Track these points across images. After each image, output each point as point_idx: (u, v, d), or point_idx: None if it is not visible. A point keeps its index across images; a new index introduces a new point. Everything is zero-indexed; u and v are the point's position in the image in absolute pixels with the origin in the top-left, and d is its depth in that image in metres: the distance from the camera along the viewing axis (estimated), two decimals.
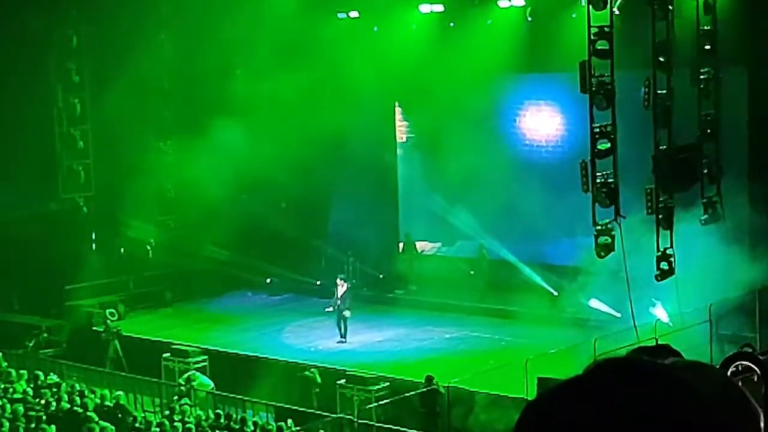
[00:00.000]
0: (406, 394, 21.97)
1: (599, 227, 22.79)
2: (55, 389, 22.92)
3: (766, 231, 24.01)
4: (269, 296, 31.88)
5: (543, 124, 30.89)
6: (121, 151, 29.97)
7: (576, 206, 24.45)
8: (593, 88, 22.34)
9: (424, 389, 21.97)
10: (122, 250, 30.71)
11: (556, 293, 27.91)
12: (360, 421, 21.24)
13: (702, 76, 24.01)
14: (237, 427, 20.79)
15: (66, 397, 22.27)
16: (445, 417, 21.68)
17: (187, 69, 29.62)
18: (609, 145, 22.74)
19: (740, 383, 1.68)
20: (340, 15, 31.07)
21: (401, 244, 32.82)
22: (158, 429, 20.51)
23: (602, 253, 22.95)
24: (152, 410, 23.46)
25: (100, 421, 20.46)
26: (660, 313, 23.77)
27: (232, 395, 23.19)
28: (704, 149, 24.43)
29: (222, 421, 21.07)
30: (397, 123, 33.68)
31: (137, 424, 21.07)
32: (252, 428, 20.75)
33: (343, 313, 27.13)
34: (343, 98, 29.32)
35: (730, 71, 24.70)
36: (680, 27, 23.51)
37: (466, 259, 30.88)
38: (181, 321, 29.55)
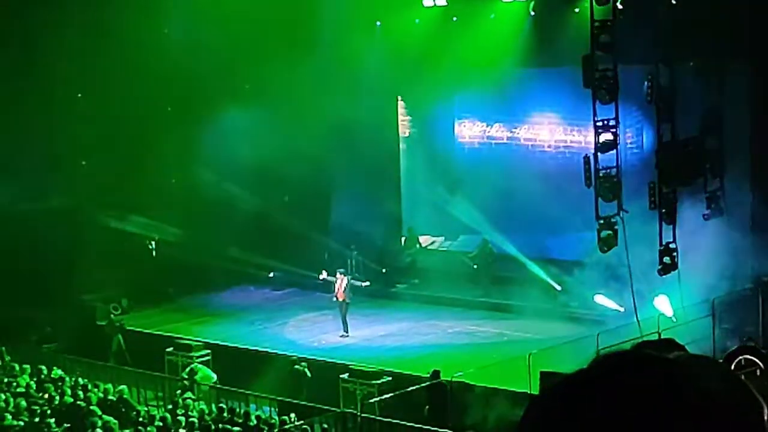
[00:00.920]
0: (411, 389, 21.96)
1: (602, 221, 22.79)
2: (58, 383, 22.96)
3: None
4: (272, 290, 31.90)
5: (545, 130, 30.97)
6: (124, 146, 29.96)
7: (579, 200, 24.46)
8: (596, 82, 22.33)
9: (430, 383, 21.97)
10: (126, 244, 30.71)
11: (559, 287, 27.92)
12: (363, 415, 21.25)
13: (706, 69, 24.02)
14: (240, 421, 20.81)
15: (69, 391, 22.31)
16: (449, 411, 21.69)
17: (189, 63, 29.57)
18: (612, 138, 22.74)
19: (744, 377, 1.68)
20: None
21: (404, 238, 32.83)
22: (161, 423, 20.54)
23: (605, 248, 22.96)
24: (155, 404, 23.50)
25: (104, 415, 20.49)
26: (664, 306, 23.73)
27: (235, 389, 23.21)
28: (707, 143, 24.43)
29: (225, 415, 21.09)
30: (400, 117, 33.68)
31: (140, 418, 21.09)
32: (255, 422, 20.77)
33: (346, 303, 27.14)
34: (347, 90, 29.35)
35: (734, 64, 24.68)
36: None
37: (469, 253, 30.88)
38: (185, 315, 29.57)
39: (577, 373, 1.62)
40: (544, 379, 19.40)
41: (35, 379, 23.28)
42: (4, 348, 25.29)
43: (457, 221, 31.48)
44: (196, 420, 20.67)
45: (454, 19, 30.59)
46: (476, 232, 30.94)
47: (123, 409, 21.45)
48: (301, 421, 20.75)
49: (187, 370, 24.20)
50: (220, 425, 20.70)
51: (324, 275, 28.25)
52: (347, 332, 27.09)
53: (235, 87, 30.88)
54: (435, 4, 30.24)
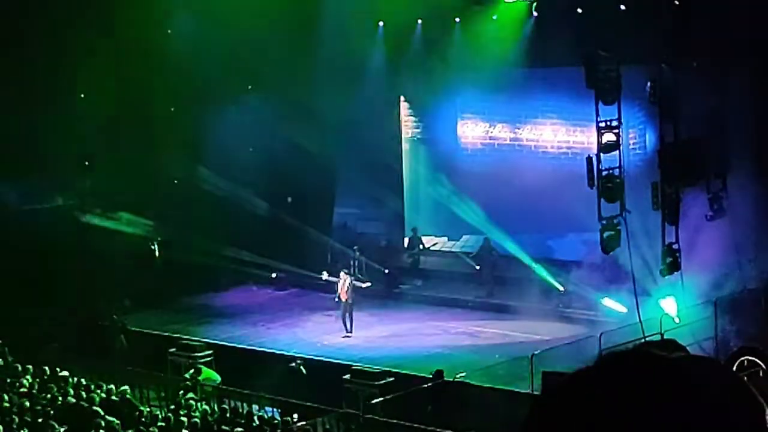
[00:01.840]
0: (414, 389, 21.95)
1: (605, 222, 22.78)
2: (61, 383, 22.95)
3: None
4: (275, 291, 31.92)
5: (548, 131, 30.99)
6: (127, 146, 29.97)
7: (582, 201, 24.44)
8: (599, 83, 22.33)
9: (433, 384, 21.96)
10: (128, 244, 30.71)
11: (561, 288, 27.91)
12: (366, 416, 21.24)
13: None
14: (243, 421, 20.80)
15: (72, 391, 22.30)
16: (452, 412, 21.67)
17: (193, 63, 29.57)
18: (615, 139, 22.73)
19: (746, 378, 1.68)
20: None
21: (407, 239, 32.84)
22: (164, 423, 20.53)
23: (608, 248, 22.95)
24: (158, 405, 23.49)
25: (106, 416, 20.48)
26: (669, 306, 23.69)
27: (237, 390, 23.21)
28: (710, 144, 24.40)
29: (228, 415, 21.08)
30: (403, 117, 33.71)
31: (143, 419, 21.08)
32: (257, 423, 20.76)
33: (349, 304, 27.15)
34: (351, 91, 29.39)
35: (737, 64, 24.66)
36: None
37: (472, 254, 30.89)
38: (187, 316, 29.58)
39: (581, 372, 1.62)
40: (547, 380, 19.40)
41: (38, 380, 23.27)
42: (6, 348, 25.28)
43: (460, 222, 31.50)
44: (198, 420, 20.65)
45: (457, 20, 30.60)
46: (479, 232, 30.97)
47: (126, 410, 21.44)
48: (304, 422, 20.75)
49: (191, 370, 24.20)
50: (223, 426, 20.68)
51: (326, 276, 28.27)
52: (350, 332, 27.10)
53: (238, 88, 30.87)
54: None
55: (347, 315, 27.15)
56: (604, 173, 22.72)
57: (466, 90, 31.61)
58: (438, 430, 20.20)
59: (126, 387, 22.65)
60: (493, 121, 31.97)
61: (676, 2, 23.07)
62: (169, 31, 30.02)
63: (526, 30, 29.32)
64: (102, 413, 20.55)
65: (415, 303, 29.64)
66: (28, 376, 23.50)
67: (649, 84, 23.45)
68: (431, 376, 22.12)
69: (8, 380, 23.17)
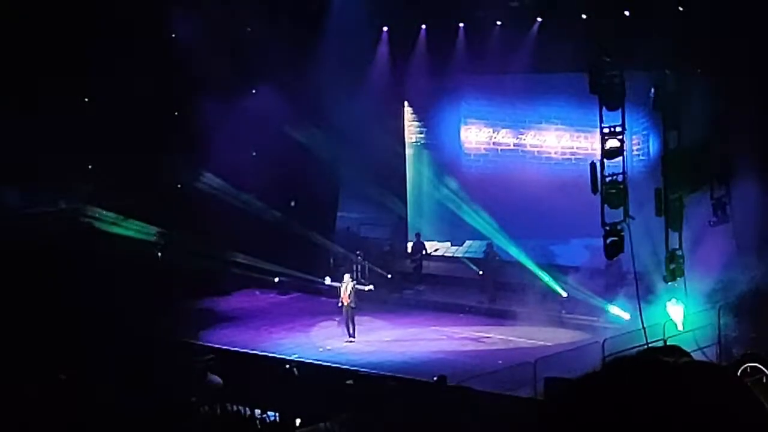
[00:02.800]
0: (416, 395, 21.94)
1: (608, 228, 22.76)
2: None
3: None
4: (278, 295, 31.92)
5: (552, 137, 31.00)
6: (130, 149, 29.97)
7: (585, 206, 24.44)
8: (603, 89, 22.32)
9: (436, 389, 21.95)
10: (131, 249, 30.70)
11: (565, 294, 27.90)
12: (368, 420, 21.22)
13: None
14: (245, 425, 20.80)
15: None
16: (455, 417, 21.66)
17: (196, 67, 29.58)
18: (618, 145, 22.72)
19: (749, 385, 1.69)
20: None
21: (410, 244, 32.84)
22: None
23: (611, 254, 22.93)
24: None
25: None
26: (676, 312, 23.64)
27: (239, 394, 23.19)
28: (714, 150, 24.39)
29: (230, 419, 21.08)
30: (407, 122, 33.73)
31: None
32: (259, 427, 20.77)
33: (352, 309, 27.15)
34: (354, 96, 29.43)
35: (740, 71, 24.65)
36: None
37: (475, 259, 30.90)
38: (190, 320, 29.54)
39: (587, 377, 1.63)
40: (550, 386, 19.38)
41: None
42: None
43: (463, 227, 31.52)
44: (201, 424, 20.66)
45: (461, 25, 30.64)
46: (482, 237, 30.97)
47: None
48: (306, 427, 20.75)
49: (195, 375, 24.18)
50: (226, 430, 20.69)
51: (329, 281, 28.27)
52: (353, 337, 27.09)
53: (241, 90, 30.90)
54: None
55: (350, 320, 27.15)
56: (608, 179, 22.70)
57: (469, 95, 31.64)
58: None
59: None
60: (497, 126, 31.99)
61: (680, 8, 23.07)
62: (173, 35, 30.04)
63: (531, 35, 29.34)
64: None
65: (417, 308, 29.64)
66: None
67: (652, 90, 23.46)
68: (434, 382, 22.11)
69: None
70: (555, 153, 31.22)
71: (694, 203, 23.98)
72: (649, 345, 19.67)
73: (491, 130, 32.27)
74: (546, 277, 28.39)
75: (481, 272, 30.22)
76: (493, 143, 32.34)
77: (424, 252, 32.18)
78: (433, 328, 27.96)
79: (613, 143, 22.72)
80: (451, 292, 30.05)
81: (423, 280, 31.57)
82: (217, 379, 24.03)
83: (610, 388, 1.59)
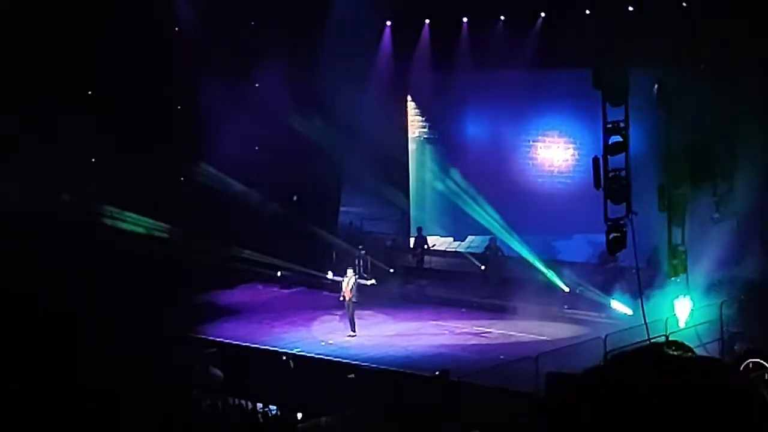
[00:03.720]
0: (418, 389, 21.95)
1: (611, 223, 22.74)
2: None
3: None
4: (280, 289, 31.93)
5: (554, 154, 31.01)
6: (132, 143, 29.98)
7: (588, 202, 24.42)
8: (606, 84, 22.29)
9: (438, 384, 21.96)
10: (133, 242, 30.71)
11: (567, 289, 27.91)
12: (369, 415, 21.24)
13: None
14: (246, 419, 20.82)
15: None
16: (457, 412, 21.68)
17: (199, 61, 29.59)
18: (622, 140, 22.68)
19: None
20: None
21: (412, 239, 32.84)
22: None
23: (614, 250, 22.91)
24: None
25: None
26: (683, 308, 23.62)
27: (241, 387, 23.21)
28: (717, 146, 24.38)
29: (232, 413, 21.10)
30: (410, 117, 33.72)
31: None
32: (261, 421, 20.78)
33: (353, 303, 27.16)
34: (358, 91, 29.42)
35: (744, 67, 24.63)
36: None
37: (477, 254, 30.90)
38: (192, 313, 29.55)
39: (590, 372, 1.63)
40: (551, 381, 19.38)
41: None
42: None
43: (466, 222, 31.52)
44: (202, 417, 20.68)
45: (464, 20, 30.61)
46: (484, 233, 30.97)
47: None
48: (307, 421, 20.76)
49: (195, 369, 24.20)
50: (228, 423, 20.71)
51: (331, 275, 28.27)
52: (354, 332, 27.10)
53: (244, 84, 30.89)
54: None
55: (351, 314, 27.16)
56: (611, 174, 22.67)
57: (472, 90, 31.61)
58: (443, 430, 20.20)
59: None
60: (500, 121, 31.95)
61: (684, 4, 23.04)
62: (176, 29, 30.06)
63: (534, 31, 29.32)
64: None
65: (420, 303, 29.64)
66: None
67: (656, 86, 23.43)
68: (435, 376, 22.12)
69: None
70: (558, 148, 31.18)
71: (698, 199, 23.97)
72: (651, 340, 19.69)
73: (494, 125, 32.23)
74: (548, 273, 28.39)
75: (483, 267, 30.23)
76: (496, 138, 32.30)
77: (425, 246, 32.19)
78: (435, 322, 27.96)
79: (616, 139, 22.69)
80: (453, 287, 30.04)
81: (425, 275, 31.57)
82: (219, 373, 24.06)
83: (612, 383, 1.59)
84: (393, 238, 33.27)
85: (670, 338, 20.75)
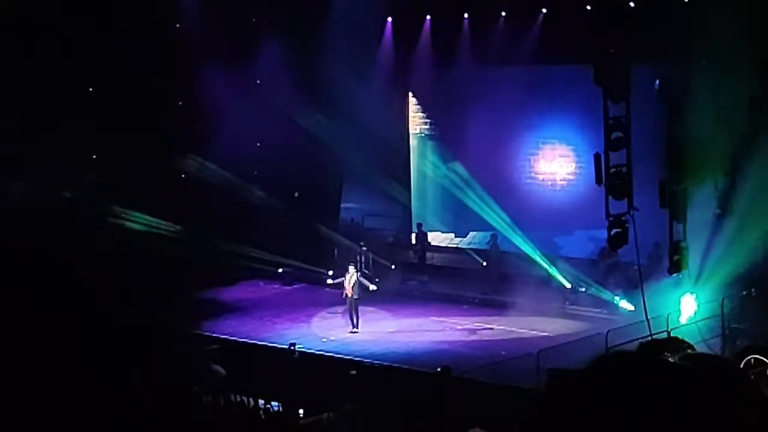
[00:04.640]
0: (419, 385, 21.96)
1: (612, 219, 22.74)
2: None
3: None
4: (282, 286, 31.94)
5: (555, 151, 30.99)
6: (133, 140, 29.99)
7: (589, 198, 24.43)
8: (608, 80, 22.28)
9: (439, 380, 21.96)
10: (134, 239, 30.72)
11: (568, 285, 27.91)
12: (371, 411, 21.23)
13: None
14: (248, 415, 20.82)
15: None
16: (457, 408, 21.68)
17: (198, 57, 29.58)
18: (623, 136, 22.68)
19: (753, 376, 1.68)
20: None
21: (414, 235, 32.85)
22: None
23: (615, 246, 22.92)
24: None
25: None
26: (688, 305, 23.59)
27: (243, 384, 23.21)
28: (719, 141, 24.35)
29: (233, 409, 21.10)
30: (411, 113, 33.71)
31: None
32: (263, 417, 20.79)
33: (355, 299, 27.16)
34: (359, 87, 29.42)
35: (746, 63, 24.60)
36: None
37: (479, 250, 30.90)
38: (194, 310, 29.57)
39: (587, 370, 1.62)
40: (553, 377, 19.38)
41: None
42: None
43: (468, 218, 31.51)
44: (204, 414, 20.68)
45: (465, 15, 30.60)
46: (486, 229, 30.97)
47: None
48: (310, 418, 20.76)
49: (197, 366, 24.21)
50: (229, 420, 20.71)
51: (330, 282, 28.18)
52: (356, 328, 27.11)
53: (246, 80, 30.89)
54: None
55: (353, 311, 27.16)
56: (612, 170, 22.67)
57: (474, 86, 31.60)
58: (443, 426, 20.20)
59: None
60: (502, 116, 31.92)
61: (685, 0, 23.02)
62: (177, 25, 30.05)
63: (536, 27, 29.30)
64: None
65: (421, 299, 29.65)
66: None
67: (657, 81, 23.41)
68: (437, 372, 22.12)
69: None
70: (560, 144, 31.18)
71: (699, 195, 23.96)
72: (653, 336, 19.70)
73: (495, 121, 32.20)
74: (550, 268, 28.39)
75: (484, 263, 30.23)
76: (498, 134, 32.27)
77: (427, 243, 32.19)
78: (437, 319, 27.97)
79: (617, 135, 22.69)
80: (455, 283, 30.04)
81: (427, 271, 31.58)
82: (221, 369, 24.07)
83: (611, 380, 1.59)
84: (394, 235, 33.28)
85: (672, 334, 20.77)
